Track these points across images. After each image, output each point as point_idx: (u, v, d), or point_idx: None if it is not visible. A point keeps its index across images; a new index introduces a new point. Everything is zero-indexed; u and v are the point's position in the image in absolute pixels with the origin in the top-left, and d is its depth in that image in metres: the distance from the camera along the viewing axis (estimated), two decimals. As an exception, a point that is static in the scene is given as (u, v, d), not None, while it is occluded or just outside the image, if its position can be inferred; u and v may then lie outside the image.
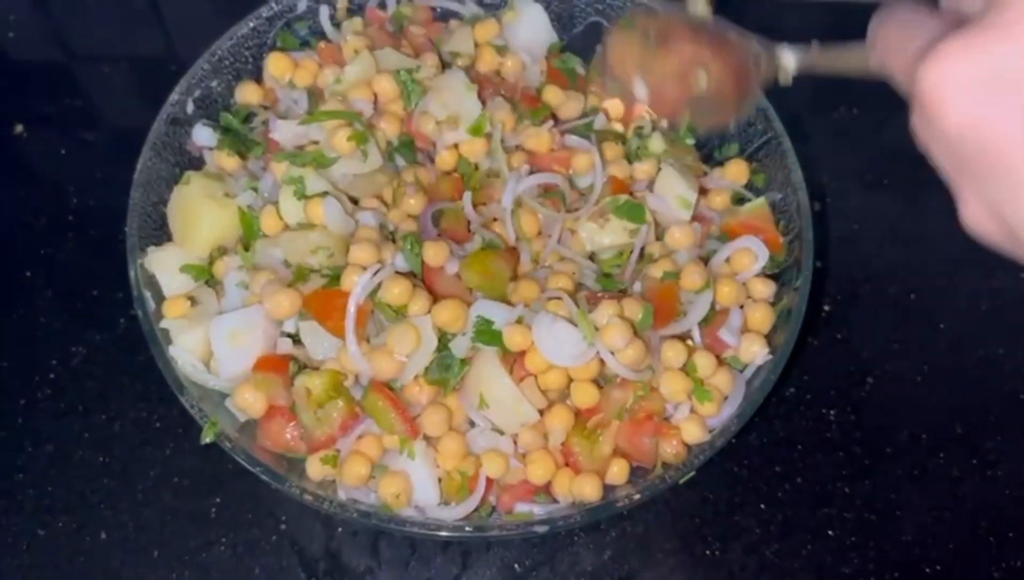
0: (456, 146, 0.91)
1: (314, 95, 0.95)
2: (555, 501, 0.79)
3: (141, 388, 0.94)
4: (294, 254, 0.82)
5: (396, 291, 0.77)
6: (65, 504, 0.89)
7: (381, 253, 0.81)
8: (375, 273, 0.78)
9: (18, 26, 1.20)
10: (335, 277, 0.80)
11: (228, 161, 0.91)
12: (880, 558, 0.89)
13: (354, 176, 0.88)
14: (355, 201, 0.89)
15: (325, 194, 0.83)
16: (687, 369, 0.79)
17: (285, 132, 0.89)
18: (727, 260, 0.87)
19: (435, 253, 0.80)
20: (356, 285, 0.77)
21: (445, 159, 0.91)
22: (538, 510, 0.78)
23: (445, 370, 0.77)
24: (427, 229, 0.84)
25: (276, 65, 0.96)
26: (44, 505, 0.88)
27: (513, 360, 0.77)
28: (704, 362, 0.79)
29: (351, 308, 0.76)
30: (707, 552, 0.89)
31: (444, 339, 0.77)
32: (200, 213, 0.85)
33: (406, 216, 0.87)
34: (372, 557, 0.87)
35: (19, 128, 1.11)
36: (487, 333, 0.76)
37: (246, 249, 0.85)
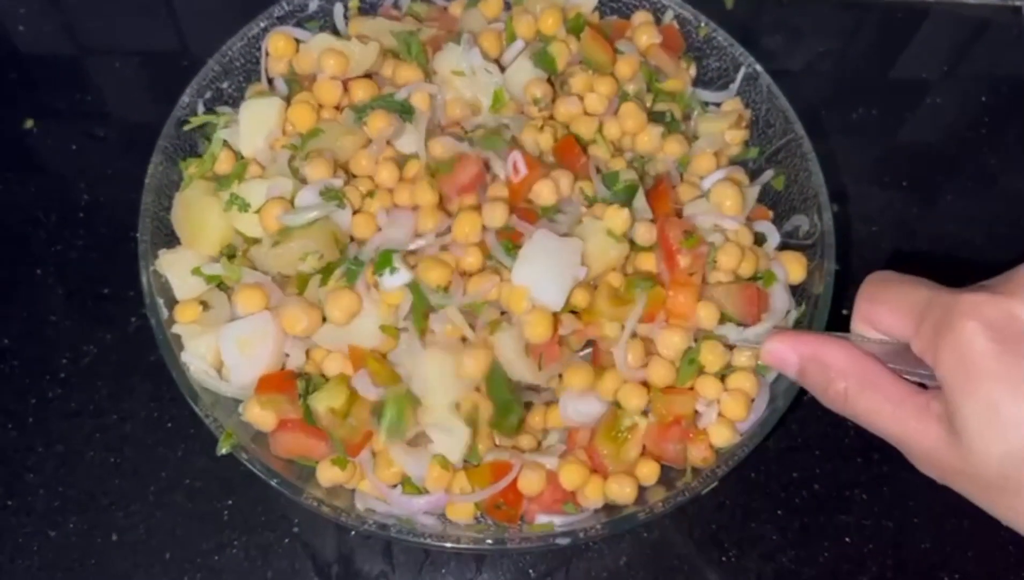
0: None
1: (295, 82, 0.92)
2: (577, 512, 0.78)
3: (152, 388, 0.93)
4: (285, 266, 0.80)
5: (436, 273, 0.76)
6: (76, 505, 0.88)
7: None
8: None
9: (28, 20, 1.19)
10: (329, 269, 0.78)
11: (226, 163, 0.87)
12: (898, 566, 0.89)
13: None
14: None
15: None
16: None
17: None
18: None
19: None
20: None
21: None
22: (559, 521, 0.77)
23: None
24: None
25: (276, 44, 0.91)
26: (55, 506, 0.88)
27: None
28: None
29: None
30: (723, 558, 0.88)
31: None
32: (204, 213, 0.83)
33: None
34: (385, 561, 0.86)
35: (29, 123, 1.10)
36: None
37: (230, 258, 0.83)
